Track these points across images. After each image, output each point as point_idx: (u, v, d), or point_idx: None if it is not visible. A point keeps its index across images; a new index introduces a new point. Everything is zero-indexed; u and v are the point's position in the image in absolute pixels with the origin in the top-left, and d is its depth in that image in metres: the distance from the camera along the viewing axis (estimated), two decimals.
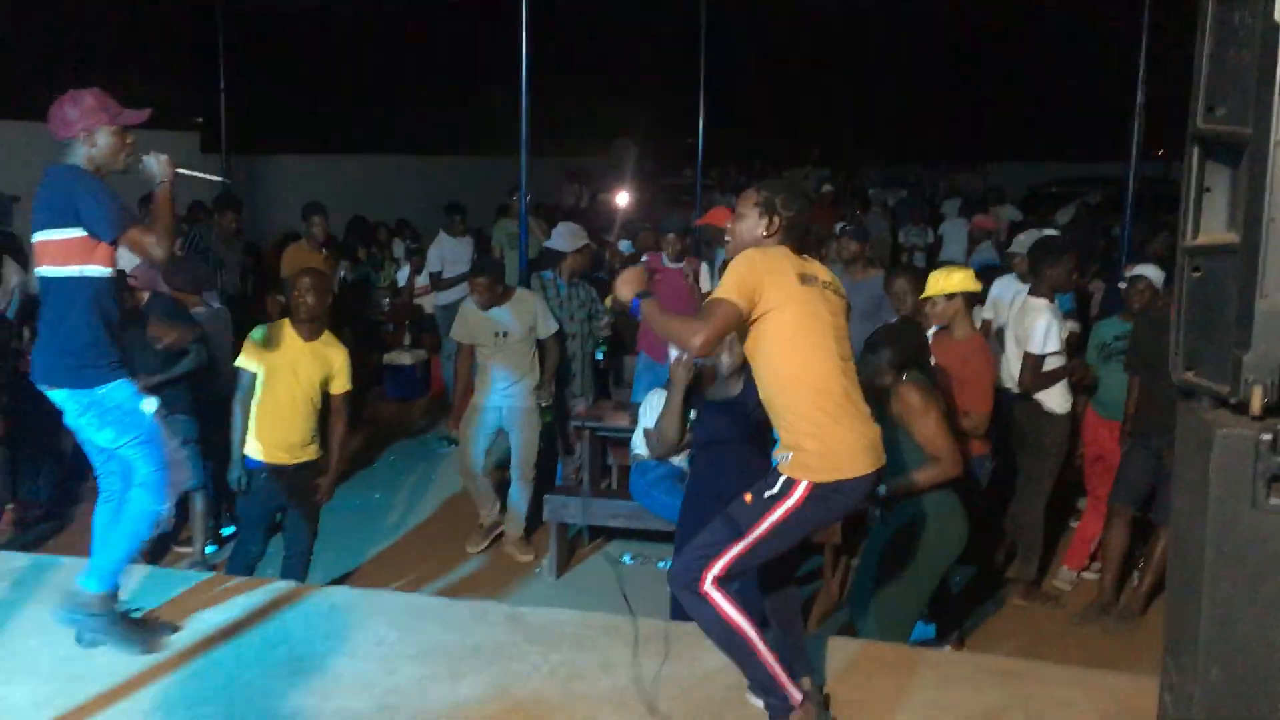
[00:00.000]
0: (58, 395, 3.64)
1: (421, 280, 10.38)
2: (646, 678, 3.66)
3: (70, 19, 14.07)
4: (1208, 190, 2.22)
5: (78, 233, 3.51)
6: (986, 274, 6.72)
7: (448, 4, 18.57)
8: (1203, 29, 2.12)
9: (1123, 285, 6.15)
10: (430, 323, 10.10)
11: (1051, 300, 5.67)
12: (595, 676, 3.72)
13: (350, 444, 8.43)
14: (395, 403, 9.73)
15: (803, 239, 3.31)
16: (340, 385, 5.07)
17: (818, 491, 3.10)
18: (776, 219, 3.27)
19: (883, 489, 4.26)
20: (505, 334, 6.24)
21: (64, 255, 3.54)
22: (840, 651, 3.96)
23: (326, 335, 5.06)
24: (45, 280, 3.62)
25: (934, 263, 10.52)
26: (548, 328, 6.38)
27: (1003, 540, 6.02)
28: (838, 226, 8.16)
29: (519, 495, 6.38)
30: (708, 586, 3.13)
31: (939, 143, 25.02)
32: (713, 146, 12.23)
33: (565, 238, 6.91)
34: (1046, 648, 5.10)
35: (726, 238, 3.44)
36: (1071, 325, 6.36)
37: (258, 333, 4.97)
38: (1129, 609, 5.52)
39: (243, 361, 4.94)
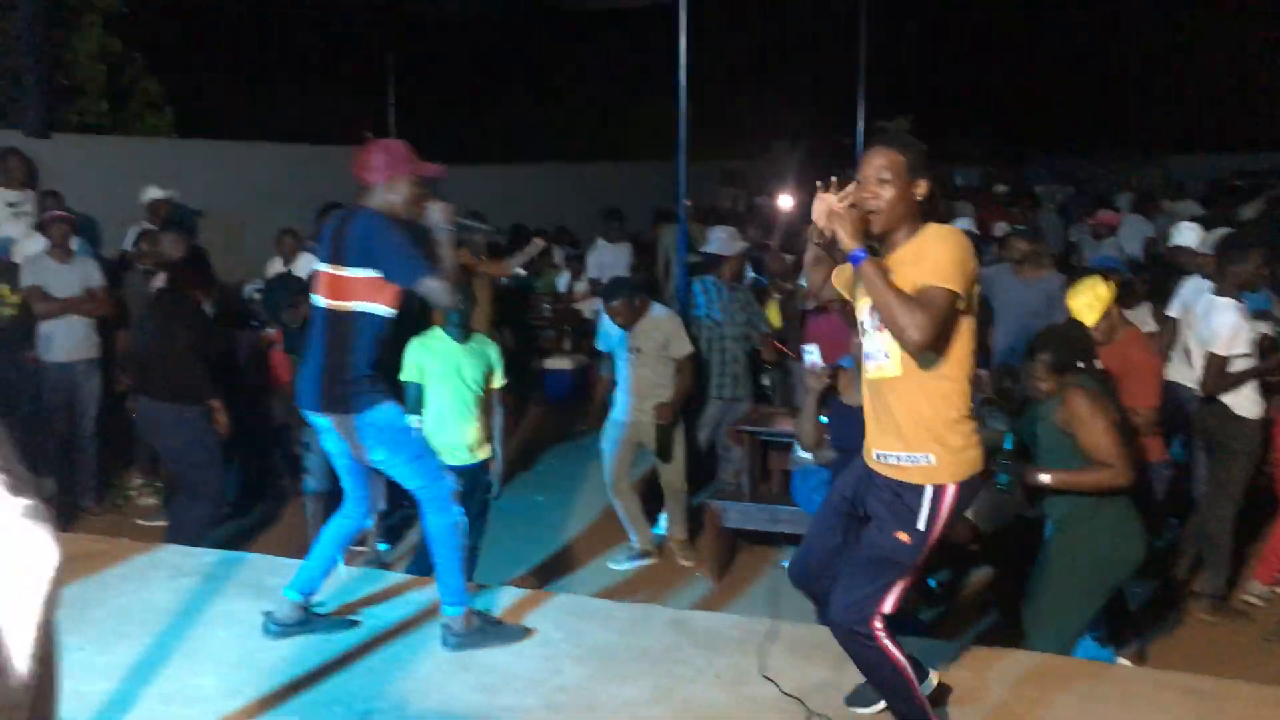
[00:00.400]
0: (322, 421, 3.88)
1: (580, 286, 10.53)
2: (809, 684, 3.61)
3: (240, 35, 14.79)
4: None
5: (371, 274, 3.71)
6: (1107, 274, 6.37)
7: (603, 12, 18.80)
8: None
9: None
10: (590, 328, 10.24)
11: (1238, 299, 5.37)
12: (758, 682, 3.69)
13: (510, 446, 8.65)
14: (555, 407, 9.89)
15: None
16: (498, 379, 5.22)
17: (963, 491, 3.02)
18: (926, 182, 3.02)
19: (1046, 477, 4.16)
20: (638, 350, 6.22)
21: (352, 292, 3.74)
22: (1016, 664, 3.84)
23: (477, 335, 5.22)
24: (327, 312, 3.81)
25: None
26: (680, 349, 6.25)
27: (1186, 552, 5.73)
28: (1009, 227, 7.91)
29: (672, 507, 6.38)
30: (877, 628, 3.04)
31: (1111, 134, 23.96)
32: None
33: (723, 241, 6.90)
34: (1234, 666, 4.82)
35: (872, 206, 3.01)
36: (1265, 326, 5.98)
37: (414, 344, 5.12)
38: None
39: (407, 375, 5.09)
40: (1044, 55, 25.28)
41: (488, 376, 5.18)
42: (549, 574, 6.22)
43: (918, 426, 2.98)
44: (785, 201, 9.42)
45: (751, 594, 5.82)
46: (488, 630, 3.99)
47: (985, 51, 25.34)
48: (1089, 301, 4.90)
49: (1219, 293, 5.42)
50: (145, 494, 7.30)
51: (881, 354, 3.03)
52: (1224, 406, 5.33)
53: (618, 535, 6.69)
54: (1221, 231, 7.06)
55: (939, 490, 2.99)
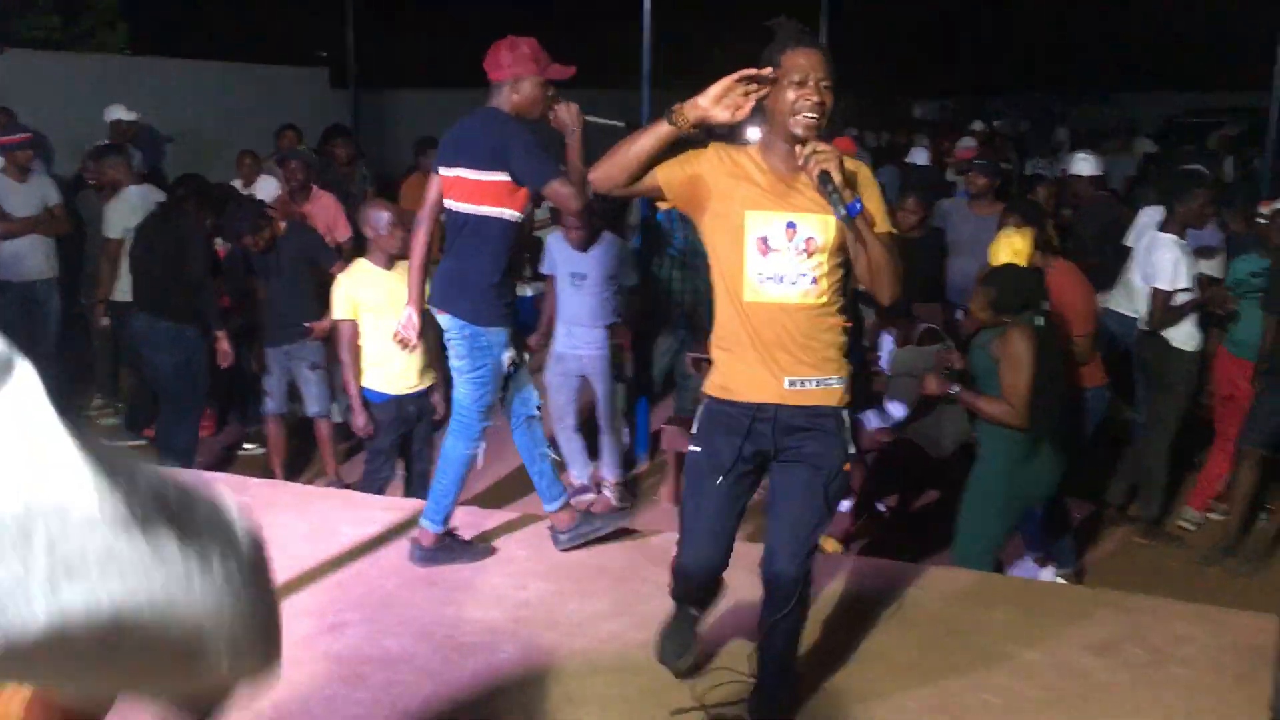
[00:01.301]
0: (445, 320, 3.97)
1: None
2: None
3: None
4: None
5: (501, 177, 3.71)
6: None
7: None
8: None
9: (1261, 220, 5.97)
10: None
11: (1182, 236, 5.56)
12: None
13: None
14: (517, 332, 9.92)
15: None
16: (428, 292, 5.18)
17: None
18: None
19: (956, 389, 4.44)
20: (584, 276, 6.06)
21: (482, 195, 3.77)
22: (960, 583, 4.03)
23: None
24: (460, 215, 3.86)
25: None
26: (629, 278, 6.23)
27: (1123, 479, 5.97)
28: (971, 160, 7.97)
29: (608, 446, 6.31)
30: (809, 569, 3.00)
31: (1069, 70, 24.08)
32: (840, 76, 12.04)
33: None
34: (1167, 587, 5.06)
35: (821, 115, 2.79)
36: (1208, 264, 6.18)
37: (343, 280, 5.08)
38: (1254, 551, 5.46)
39: (339, 313, 5.05)
40: None
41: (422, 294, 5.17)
42: (505, 496, 6.34)
43: (830, 348, 2.88)
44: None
45: None
46: (455, 548, 4.12)
47: None
48: (1009, 258, 5.00)
49: (1164, 229, 5.60)
50: (105, 414, 7.32)
51: (807, 279, 2.81)
52: (1163, 340, 5.54)
53: None
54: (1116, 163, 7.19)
55: (847, 413, 2.94)
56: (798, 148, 2.71)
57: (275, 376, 6.01)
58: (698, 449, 2.97)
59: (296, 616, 3.71)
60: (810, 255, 2.80)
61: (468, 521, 4.53)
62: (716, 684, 3.29)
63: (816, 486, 2.89)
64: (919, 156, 10.74)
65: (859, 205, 2.69)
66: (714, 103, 2.71)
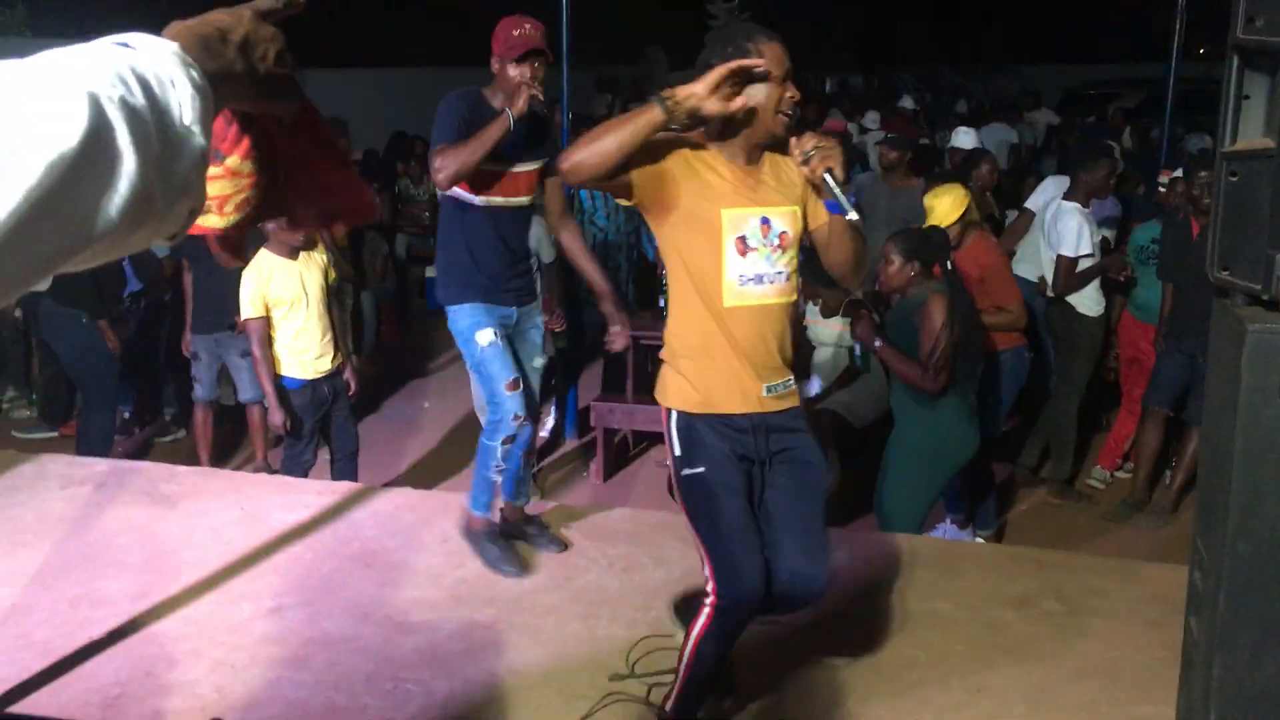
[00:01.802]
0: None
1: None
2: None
3: None
4: (1246, 98, 2.32)
5: None
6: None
7: None
8: None
9: (1161, 189, 6.21)
10: None
11: (1086, 205, 5.77)
12: (650, 569, 3.94)
13: (395, 355, 8.69)
14: (438, 314, 9.89)
15: None
16: (331, 276, 5.20)
17: None
18: None
19: (879, 343, 4.51)
20: None
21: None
22: (885, 546, 4.16)
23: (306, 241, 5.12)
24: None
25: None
26: (548, 254, 6.19)
27: (1036, 441, 6.18)
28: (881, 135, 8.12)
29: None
30: None
31: (973, 44, 24.58)
32: None
33: None
34: (1080, 543, 5.28)
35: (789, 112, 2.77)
36: (1105, 232, 6.42)
37: (248, 275, 4.97)
38: (1160, 507, 5.69)
39: (249, 311, 4.95)
40: None
41: (325, 278, 5.17)
42: (435, 476, 6.34)
43: (789, 346, 2.82)
44: None
45: (639, 489, 6.08)
46: (484, 542, 3.96)
47: None
48: (955, 199, 5.19)
49: (1068, 197, 5.81)
50: (21, 406, 7.16)
51: (783, 276, 2.73)
52: (1069, 305, 5.76)
53: None
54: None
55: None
56: (793, 141, 2.61)
57: (204, 363, 5.94)
58: (700, 469, 2.71)
59: (233, 602, 3.72)
60: (784, 251, 2.72)
61: (403, 503, 4.56)
62: (649, 650, 3.36)
63: (813, 483, 2.82)
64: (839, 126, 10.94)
65: (853, 198, 2.70)
66: (709, 92, 2.50)
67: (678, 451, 2.75)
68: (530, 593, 3.80)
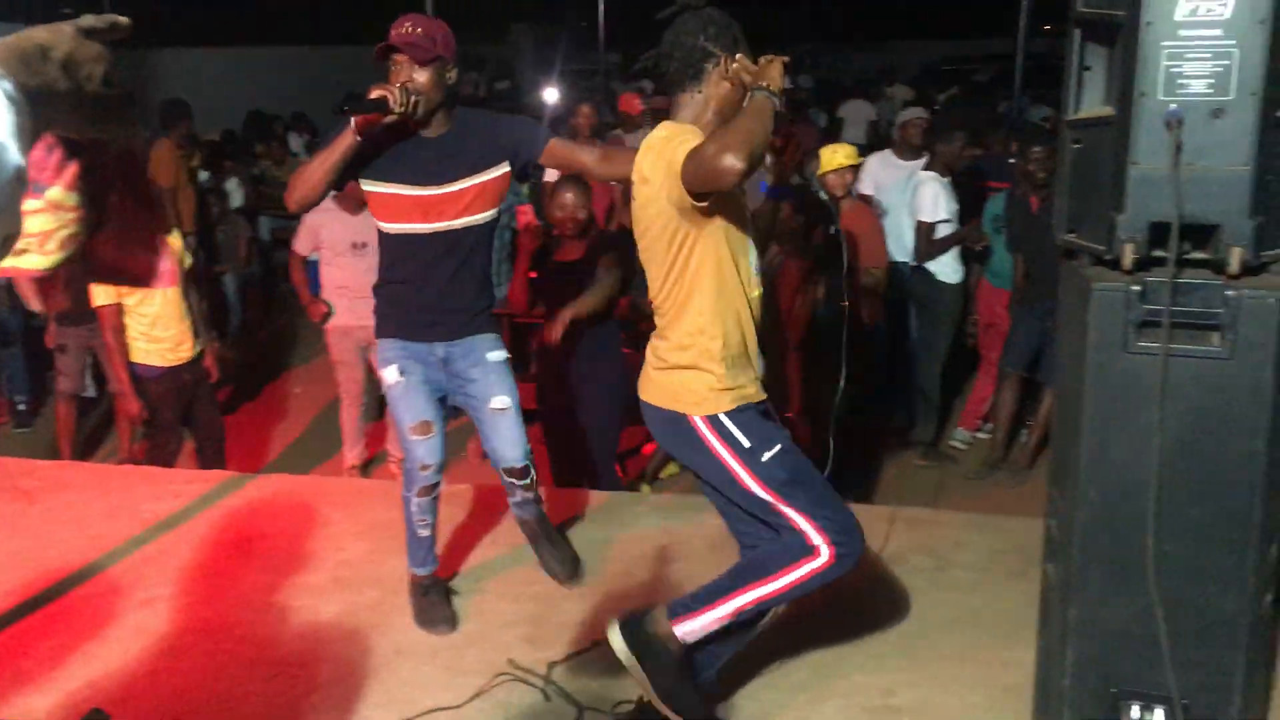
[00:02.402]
0: None
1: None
2: (590, 540, 3.92)
3: None
4: (1088, 68, 2.45)
5: None
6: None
7: None
8: None
9: (1011, 161, 6.47)
10: None
11: (943, 175, 6.01)
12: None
13: (267, 339, 8.51)
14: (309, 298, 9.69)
15: None
16: (185, 261, 5.07)
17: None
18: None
19: None
20: (365, 245, 5.61)
21: None
22: None
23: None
24: None
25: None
26: None
27: (903, 405, 6.40)
28: None
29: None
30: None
31: (838, 22, 25.09)
32: (612, 30, 12.16)
33: None
34: (945, 501, 5.50)
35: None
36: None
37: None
38: (1018, 464, 5.96)
39: (101, 299, 4.78)
40: None
41: (181, 264, 5.04)
42: (309, 461, 6.25)
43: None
44: (550, 95, 9.34)
45: None
46: (416, 595, 3.55)
47: None
48: (848, 154, 5.44)
49: (927, 168, 6.04)
50: None
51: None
52: (929, 273, 5.98)
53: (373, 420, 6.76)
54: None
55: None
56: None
57: (72, 356, 5.72)
58: (778, 446, 2.67)
59: (104, 595, 3.62)
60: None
61: (279, 488, 4.49)
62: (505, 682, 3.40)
63: None
64: None
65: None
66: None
67: (746, 444, 2.65)
68: None
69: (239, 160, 9.64)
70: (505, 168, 3.35)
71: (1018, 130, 7.82)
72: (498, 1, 19.70)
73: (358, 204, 5.53)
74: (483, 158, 3.32)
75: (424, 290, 3.35)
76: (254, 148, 10.56)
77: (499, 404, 3.41)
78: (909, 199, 6.08)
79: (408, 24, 3.22)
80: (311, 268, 6.04)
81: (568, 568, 3.67)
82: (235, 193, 9.30)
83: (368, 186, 3.30)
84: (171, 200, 7.00)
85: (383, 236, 3.37)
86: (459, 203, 3.29)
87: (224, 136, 10.45)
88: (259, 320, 8.86)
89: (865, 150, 7.67)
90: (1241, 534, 2.35)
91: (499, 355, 3.45)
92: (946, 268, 6.02)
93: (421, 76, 3.16)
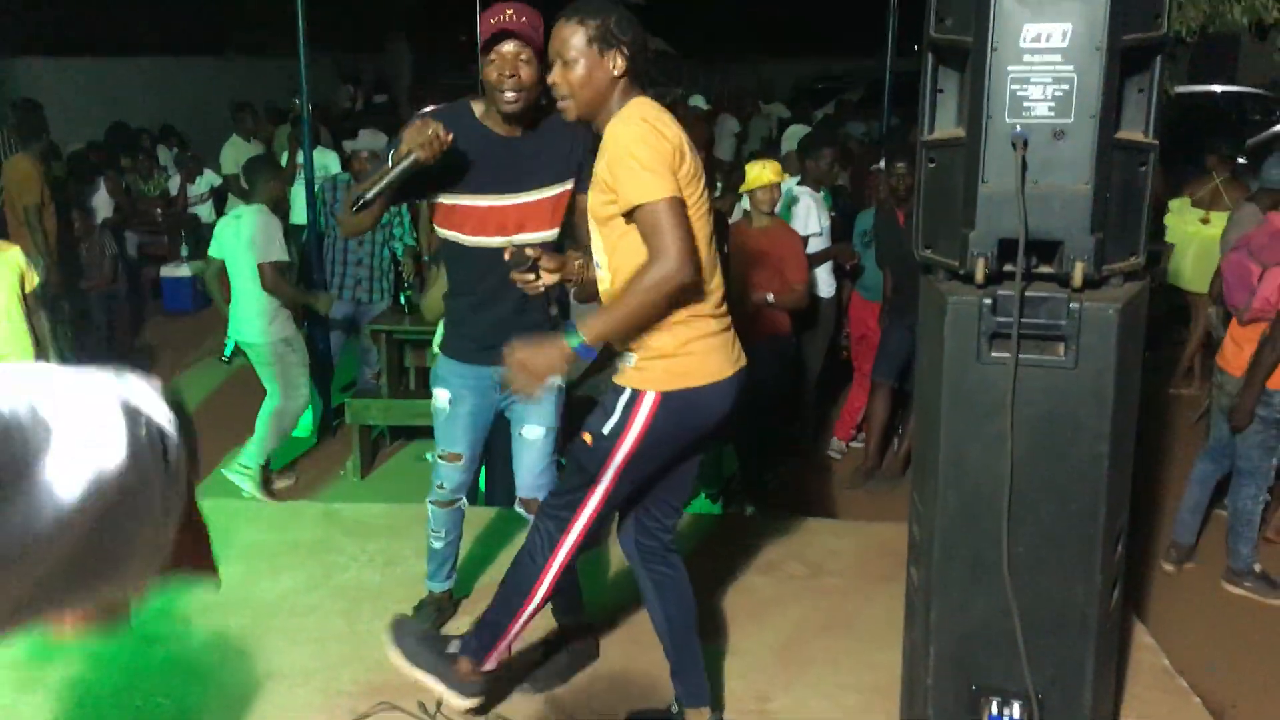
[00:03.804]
0: None
1: (197, 189, 10.06)
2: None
3: None
4: (941, 91, 2.57)
5: None
6: None
7: None
8: None
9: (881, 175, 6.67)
10: (209, 232, 9.86)
11: (815, 190, 6.18)
12: (411, 561, 3.93)
13: (129, 359, 8.24)
14: (175, 316, 9.47)
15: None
16: (31, 281, 4.92)
17: (669, 404, 2.60)
18: (624, 51, 2.56)
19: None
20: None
21: None
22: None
23: None
24: None
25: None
26: (276, 255, 5.71)
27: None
28: None
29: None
30: (562, 549, 2.73)
31: (711, 39, 25.49)
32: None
33: (366, 140, 6.88)
34: (819, 510, 5.62)
35: (562, 97, 2.62)
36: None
37: None
38: (890, 472, 6.12)
39: None
40: None
41: (22, 283, 4.88)
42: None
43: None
44: (427, 109, 9.25)
45: (396, 484, 6.02)
46: (421, 612, 3.55)
47: None
48: (775, 170, 5.54)
49: (801, 184, 6.19)
50: None
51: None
52: None
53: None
54: (800, 129, 7.92)
55: (638, 396, 2.60)
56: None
57: None
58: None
59: None
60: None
61: None
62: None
63: None
64: None
65: (586, 350, 2.59)
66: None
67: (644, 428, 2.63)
68: (289, 594, 3.73)
69: (105, 173, 9.34)
70: (571, 184, 3.10)
71: (886, 147, 8.07)
72: (374, 13, 19.51)
73: None
74: (566, 165, 3.08)
75: (491, 311, 3.15)
76: (119, 160, 10.24)
77: (529, 433, 3.27)
78: (780, 213, 6.22)
79: (509, 9, 2.93)
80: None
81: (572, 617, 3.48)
82: (103, 207, 9.02)
83: (434, 197, 3.11)
84: (37, 218, 6.75)
85: (452, 248, 3.17)
86: (539, 214, 3.06)
87: (89, 147, 10.13)
88: (127, 338, 8.58)
89: (733, 165, 7.84)
90: (1089, 533, 2.48)
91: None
92: (821, 282, 6.17)
93: (530, 69, 2.92)
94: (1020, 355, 2.39)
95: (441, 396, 3.28)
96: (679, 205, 2.43)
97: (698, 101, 13.80)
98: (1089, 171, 2.35)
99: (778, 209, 6.17)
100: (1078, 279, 2.38)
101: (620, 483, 2.66)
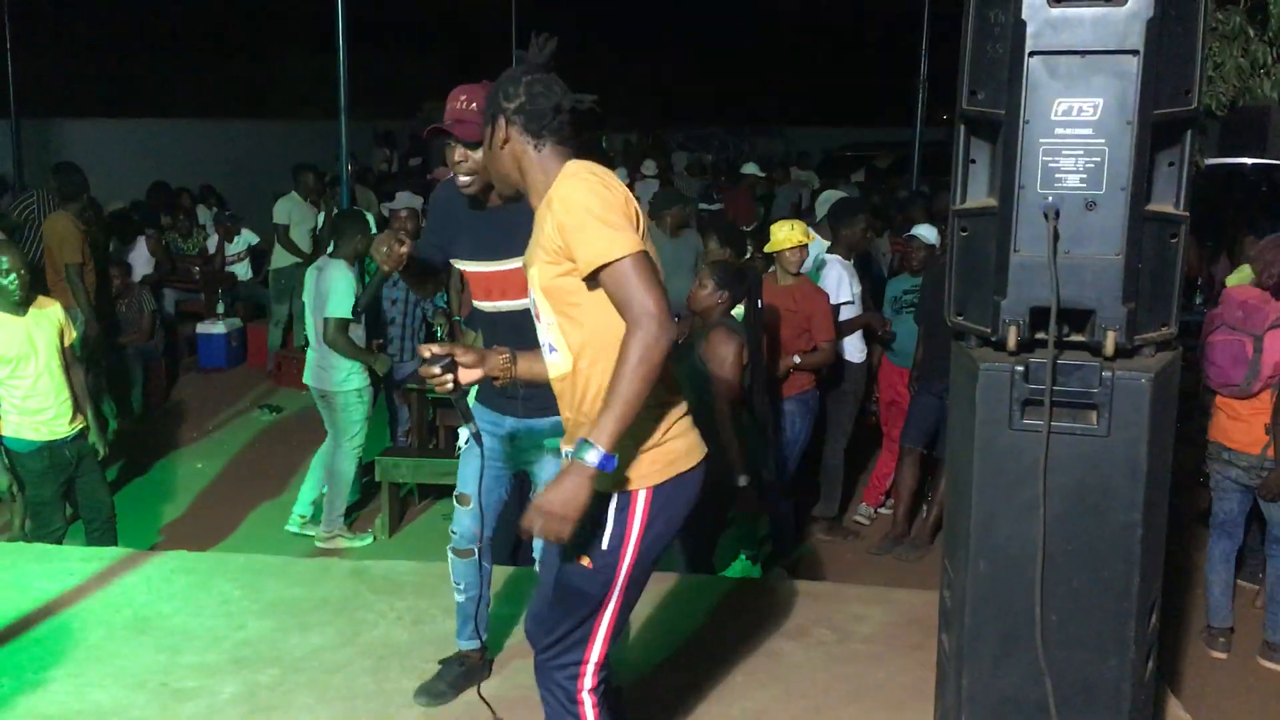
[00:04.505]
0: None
1: (234, 248, 10.24)
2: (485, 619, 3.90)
3: None
4: (973, 161, 2.61)
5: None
6: None
7: None
8: (965, 24, 2.50)
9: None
10: (246, 291, 10.05)
11: (846, 257, 6.21)
12: (440, 619, 3.93)
13: (162, 413, 8.34)
14: (210, 373, 9.58)
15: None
16: (69, 336, 5.01)
17: (661, 496, 2.38)
18: (520, 117, 2.36)
19: None
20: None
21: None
22: (675, 586, 4.30)
23: (38, 300, 4.93)
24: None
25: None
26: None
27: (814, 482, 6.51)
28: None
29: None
30: (583, 696, 2.44)
31: (742, 108, 25.80)
32: None
33: (404, 200, 7.04)
34: (847, 576, 5.59)
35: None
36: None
37: None
38: (919, 539, 6.08)
39: None
40: (686, 36, 26.85)
41: (61, 337, 4.97)
42: (211, 537, 6.11)
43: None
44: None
45: (425, 541, 6.03)
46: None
47: (634, 25, 26.54)
48: (803, 230, 5.65)
49: (831, 251, 6.23)
50: None
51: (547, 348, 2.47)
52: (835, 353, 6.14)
53: (284, 498, 6.66)
54: (832, 194, 7.99)
55: (630, 498, 2.36)
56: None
57: None
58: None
59: None
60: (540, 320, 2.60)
61: (177, 566, 4.40)
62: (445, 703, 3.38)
63: None
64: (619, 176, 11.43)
65: (607, 460, 2.25)
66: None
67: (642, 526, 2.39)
68: (317, 651, 3.73)
69: (147, 232, 9.53)
70: None
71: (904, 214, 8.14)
72: (410, 79, 19.88)
73: None
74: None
75: None
76: (160, 219, 10.45)
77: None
78: (821, 280, 6.27)
79: (461, 98, 3.05)
80: None
81: None
82: (142, 264, 9.20)
83: (453, 260, 3.32)
84: (78, 274, 6.89)
85: (477, 313, 3.34)
86: (518, 281, 2.86)
87: (134, 206, 10.34)
88: (161, 394, 8.69)
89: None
90: (1122, 603, 2.46)
91: (557, 441, 2.85)
92: (851, 347, 6.18)
93: (474, 156, 3.02)
94: (1052, 423, 2.40)
95: (465, 432, 3.37)
96: (647, 259, 2.21)
97: (751, 169, 13.79)
98: (1120, 242, 2.37)
99: (806, 270, 6.22)
100: (1110, 348, 2.39)
101: (627, 596, 2.41)
